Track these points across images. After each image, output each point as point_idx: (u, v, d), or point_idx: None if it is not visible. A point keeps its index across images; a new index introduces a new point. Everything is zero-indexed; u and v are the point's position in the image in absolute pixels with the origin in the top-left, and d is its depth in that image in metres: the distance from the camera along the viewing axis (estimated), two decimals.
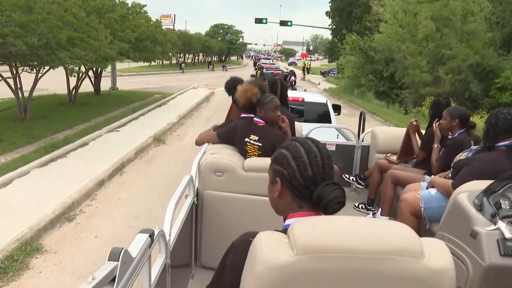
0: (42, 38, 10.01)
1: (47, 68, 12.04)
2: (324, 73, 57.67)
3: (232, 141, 3.75)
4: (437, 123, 4.56)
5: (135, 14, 18.18)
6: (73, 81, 15.65)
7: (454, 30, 21.25)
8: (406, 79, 23.47)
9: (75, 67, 11.76)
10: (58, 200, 6.66)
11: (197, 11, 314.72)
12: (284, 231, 1.36)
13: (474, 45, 20.81)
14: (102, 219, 6.45)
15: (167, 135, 12.86)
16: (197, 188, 3.38)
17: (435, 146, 4.48)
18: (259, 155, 3.54)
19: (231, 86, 4.28)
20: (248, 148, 3.59)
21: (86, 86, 19.17)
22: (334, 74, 50.97)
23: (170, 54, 21.76)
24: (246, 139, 3.58)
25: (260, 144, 3.52)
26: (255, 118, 3.63)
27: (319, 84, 40.28)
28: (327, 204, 1.43)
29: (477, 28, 20.98)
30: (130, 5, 18.33)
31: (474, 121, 4.44)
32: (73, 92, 16.21)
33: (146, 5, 18.85)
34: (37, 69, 11.97)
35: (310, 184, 1.46)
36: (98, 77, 19.31)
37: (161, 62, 53.69)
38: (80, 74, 15.97)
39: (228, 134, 3.75)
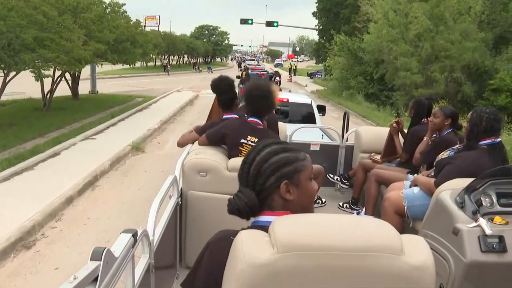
0: (1, 38, 9.10)
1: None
2: (311, 75, 57.65)
3: (222, 142, 3.68)
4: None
5: (113, 13, 17.27)
6: (48, 84, 14.77)
7: (446, 29, 20.67)
8: (397, 80, 22.88)
9: (42, 71, 10.82)
10: (16, 223, 5.82)
11: (183, 12, 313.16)
12: (256, 227, 1.42)
13: (467, 45, 20.22)
14: (66, 245, 5.63)
15: (147, 143, 12.06)
16: (181, 189, 3.37)
17: (425, 139, 4.51)
18: None
19: (219, 85, 4.18)
20: (244, 149, 3.51)
21: (64, 90, 18.37)
22: (321, 75, 50.74)
23: (152, 56, 20.76)
24: (243, 140, 3.50)
25: None
26: (250, 119, 3.54)
27: (306, 86, 40.14)
28: None
29: (468, 27, 20.43)
30: (107, 3, 17.44)
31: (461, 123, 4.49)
32: (48, 96, 15.30)
33: (125, 4, 18.02)
34: (5, 72, 11.07)
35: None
36: (76, 80, 18.39)
37: (145, 64, 53.06)
38: (56, 77, 15.20)
39: (218, 135, 3.64)
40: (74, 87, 18.46)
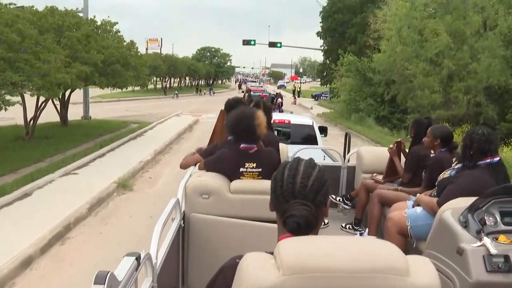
0: None
1: None
2: (315, 97, 56.74)
3: (220, 171, 3.54)
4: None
5: (104, 33, 15.96)
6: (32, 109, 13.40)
7: (468, 47, 19.28)
8: (411, 102, 21.49)
9: (9, 97, 9.35)
10: None
11: (185, 35, 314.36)
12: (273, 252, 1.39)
13: (490, 63, 18.79)
14: None
15: (137, 178, 10.56)
16: (183, 211, 3.35)
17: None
18: None
19: (234, 106, 4.28)
20: (245, 177, 3.48)
21: (55, 116, 17.11)
22: (327, 97, 49.82)
23: (146, 80, 19.38)
24: (242, 169, 3.47)
25: (260, 170, 3.48)
26: (242, 145, 3.48)
27: (311, 108, 38.85)
28: (285, 219, 1.50)
29: (491, 44, 19.04)
30: (99, 23, 16.12)
31: (456, 142, 4.55)
32: (31, 123, 13.86)
33: (117, 23, 16.72)
34: None
35: (281, 199, 1.54)
36: (65, 105, 16.96)
37: (145, 87, 52.13)
38: (40, 103, 13.82)
39: (216, 165, 3.57)
40: (63, 112, 17.06)
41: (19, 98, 10.60)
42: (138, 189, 9.64)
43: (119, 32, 17.20)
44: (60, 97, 16.14)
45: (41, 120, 15.25)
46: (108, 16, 16.90)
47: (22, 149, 12.24)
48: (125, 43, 16.60)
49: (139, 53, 17.96)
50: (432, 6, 21.41)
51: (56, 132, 15.62)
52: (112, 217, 7.76)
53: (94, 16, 16.30)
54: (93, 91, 21.87)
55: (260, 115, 3.50)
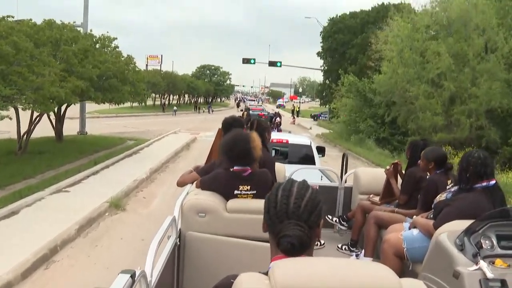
0: None
1: None
2: (315, 117, 56.56)
3: (215, 191, 3.50)
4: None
5: (102, 48, 15.72)
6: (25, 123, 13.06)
7: (470, 69, 19.06)
8: (412, 124, 21.18)
9: None
10: None
11: (186, 52, 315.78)
12: (267, 272, 1.40)
13: (490, 86, 18.56)
14: None
15: (130, 197, 10.19)
16: (179, 229, 3.35)
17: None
18: None
19: (233, 124, 4.57)
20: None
21: (50, 130, 16.81)
22: (326, 117, 49.51)
23: (144, 95, 19.08)
24: (236, 192, 3.46)
25: (255, 192, 3.46)
26: (235, 168, 3.47)
27: (310, 128, 38.51)
28: (279, 240, 1.52)
29: (492, 67, 18.83)
30: (97, 37, 15.88)
31: (451, 163, 4.57)
32: (24, 138, 13.52)
33: (116, 38, 16.50)
34: None
35: (275, 219, 1.55)
36: (60, 120, 16.63)
37: (143, 104, 52.16)
38: (34, 117, 13.50)
39: (211, 184, 3.53)
40: (58, 127, 16.72)
41: (9, 112, 10.25)
42: (131, 209, 9.26)
43: (118, 47, 16.98)
44: (56, 111, 15.87)
45: (36, 134, 14.95)
46: (107, 31, 16.68)
47: (13, 164, 11.87)
48: (122, 58, 16.28)
49: (137, 68, 17.63)
50: (434, 28, 21.24)
51: (50, 147, 15.26)
52: (102, 239, 7.38)
53: (91, 30, 16.08)
54: (91, 106, 21.67)
55: (255, 138, 3.52)
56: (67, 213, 8.13)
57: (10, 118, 10.20)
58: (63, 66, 11.80)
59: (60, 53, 12.24)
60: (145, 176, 12.38)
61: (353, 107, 28.47)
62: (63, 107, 15.90)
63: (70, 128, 19.68)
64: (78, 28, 16.83)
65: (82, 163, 13.11)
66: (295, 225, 1.52)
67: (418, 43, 20.59)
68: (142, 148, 17.94)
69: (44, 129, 16.32)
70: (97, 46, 15.64)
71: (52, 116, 16.21)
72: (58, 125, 16.71)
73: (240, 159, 3.46)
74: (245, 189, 3.48)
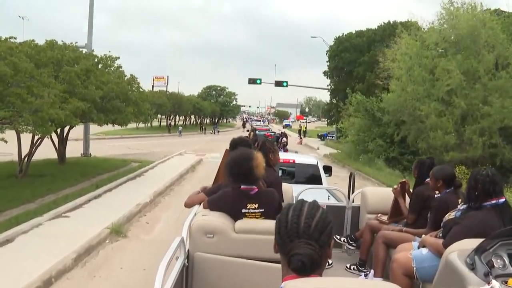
0: None
1: None
2: (321, 136, 56.31)
3: (223, 211, 3.54)
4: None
5: (104, 68, 15.49)
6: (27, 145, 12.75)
7: (481, 85, 18.66)
8: (422, 143, 20.73)
9: None
10: None
11: (192, 73, 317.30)
12: None
13: (503, 103, 18.13)
14: None
15: (132, 223, 9.79)
16: (187, 250, 3.36)
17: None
18: None
19: (240, 144, 4.73)
20: (248, 218, 3.52)
21: (53, 152, 16.53)
22: (333, 137, 49.38)
23: (148, 114, 18.78)
24: (244, 210, 3.51)
25: (262, 210, 3.52)
26: (242, 186, 3.53)
27: (318, 148, 38.19)
28: (290, 258, 1.58)
29: (504, 84, 18.44)
30: (99, 57, 15.65)
31: (459, 180, 4.52)
32: (25, 160, 13.19)
33: (118, 58, 16.28)
34: None
35: (286, 239, 1.61)
36: (63, 142, 16.32)
37: (149, 124, 52.34)
38: (36, 139, 13.19)
39: (219, 204, 3.57)
40: (60, 149, 16.39)
41: (4, 135, 9.92)
42: (133, 235, 8.83)
43: (121, 67, 16.73)
44: (58, 133, 15.59)
45: (39, 156, 14.69)
46: (109, 51, 16.46)
47: (12, 187, 11.51)
48: (126, 78, 16.02)
49: (140, 88, 17.35)
50: (443, 45, 20.85)
51: (52, 170, 14.91)
52: (101, 269, 6.95)
53: (93, 51, 15.83)
54: (96, 127, 21.53)
55: (259, 156, 3.57)
56: (65, 240, 7.72)
57: (6, 142, 9.83)
58: (65, 87, 11.51)
59: (62, 73, 11.94)
60: (149, 200, 11.98)
61: (361, 127, 28.14)
62: (66, 129, 15.58)
63: (75, 150, 19.48)
64: (82, 49, 16.57)
65: (84, 186, 12.73)
66: (306, 243, 1.56)
67: (427, 60, 20.23)
68: (146, 170, 17.56)
69: (47, 151, 16.09)
70: (100, 66, 15.38)
71: (56, 138, 15.91)
72: (61, 147, 16.39)
73: (242, 177, 3.51)
74: (253, 207, 3.52)
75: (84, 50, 17.31)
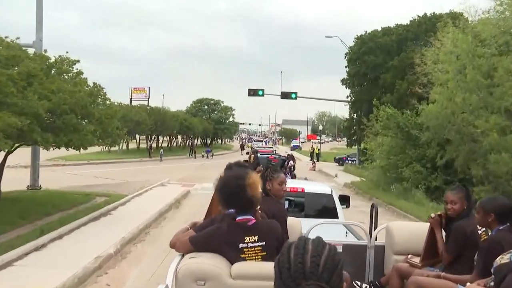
0: None
1: None
2: (339, 160, 56.03)
3: (214, 251, 3.60)
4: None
5: (59, 73, 14.46)
6: None
7: None
8: (478, 169, 19.59)
9: None
10: None
11: (179, 84, 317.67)
12: None
13: None
14: None
15: (87, 285, 8.59)
16: None
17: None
18: (263, 257, 3.61)
19: None
20: (247, 255, 3.58)
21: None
22: (354, 161, 49.68)
23: (117, 135, 17.55)
24: (241, 245, 3.56)
25: (263, 243, 3.59)
26: (238, 218, 3.63)
27: (336, 176, 37.85)
28: None
29: None
30: (53, 60, 14.56)
31: None
32: None
33: (78, 61, 15.19)
34: None
35: (290, 283, 1.67)
36: None
37: (124, 147, 51.56)
38: None
39: (207, 242, 3.64)
40: None
41: None
42: None
43: (82, 73, 15.55)
44: None
45: None
46: (67, 52, 15.36)
47: None
48: (87, 88, 14.82)
49: (108, 101, 16.19)
50: (502, 39, 19.76)
51: None
52: None
53: (46, 51, 14.66)
54: (56, 151, 20.75)
55: (253, 175, 3.66)
56: None
57: None
58: None
59: None
60: (114, 250, 10.90)
61: (392, 148, 27.56)
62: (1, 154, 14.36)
63: (22, 180, 18.88)
64: (28, 49, 15.44)
65: (22, 232, 11.50)
66: (316, 286, 1.63)
67: (483, 60, 19.04)
68: (115, 207, 16.72)
69: None
70: (51, 70, 14.25)
71: None
72: None
73: (232, 198, 3.58)
74: (252, 240, 3.57)
75: (33, 50, 16.31)
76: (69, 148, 14.73)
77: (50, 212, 14.31)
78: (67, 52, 15.40)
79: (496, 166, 17.95)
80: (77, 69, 15.52)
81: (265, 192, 4.91)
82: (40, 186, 19.82)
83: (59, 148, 14.55)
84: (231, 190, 3.57)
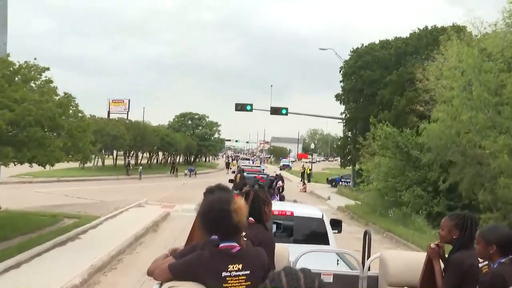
0: None
1: None
2: (333, 182, 56.17)
3: (195, 279, 3.59)
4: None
5: (24, 81, 14.05)
6: None
7: None
8: (485, 194, 19.48)
9: None
10: None
11: (161, 97, 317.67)
12: None
13: None
14: None
15: None
16: None
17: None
18: (247, 287, 3.63)
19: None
20: (230, 284, 3.57)
21: None
22: (349, 182, 49.90)
23: (89, 151, 17.08)
24: (224, 274, 3.55)
25: (248, 272, 3.59)
26: (221, 245, 3.65)
27: (329, 198, 37.71)
28: None
29: None
30: (17, 66, 14.17)
31: None
32: None
33: (48, 69, 14.80)
34: None
35: None
36: None
37: (100, 163, 51.17)
38: None
39: (187, 270, 3.62)
40: None
41: None
42: None
43: (52, 82, 15.09)
44: None
45: None
46: (35, 58, 14.97)
47: None
48: (57, 98, 14.37)
49: (80, 113, 15.74)
50: (511, 53, 19.66)
51: None
52: None
53: (8, 55, 14.20)
54: (24, 167, 20.29)
55: (238, 200, 3.68)
56: None
57: None
58: None
59: None
60: (80, 281, 10.58)
61: (390, 169, 27.64)
62: None
63: None
64: None
65: None
66: None
67: (490, 75, 18.84)
68: (85, 230, 16.36)
69: None
70: (16, 78, 13.81)
71: None
72: None
73: (216, 225, 3.59)
74: (236, 268, 3.58)
75: None
76: (33, 165, 14.29)
77: (8, 236, 13.81)
78: (35, 59, 15.04)
79: (507, 191, 17.83)
80: (45, 77, 15.14)
81: (258, 218, 5.06)
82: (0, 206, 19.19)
83: (21, 164, 14.12)
84: (215, 216, 3.57)
